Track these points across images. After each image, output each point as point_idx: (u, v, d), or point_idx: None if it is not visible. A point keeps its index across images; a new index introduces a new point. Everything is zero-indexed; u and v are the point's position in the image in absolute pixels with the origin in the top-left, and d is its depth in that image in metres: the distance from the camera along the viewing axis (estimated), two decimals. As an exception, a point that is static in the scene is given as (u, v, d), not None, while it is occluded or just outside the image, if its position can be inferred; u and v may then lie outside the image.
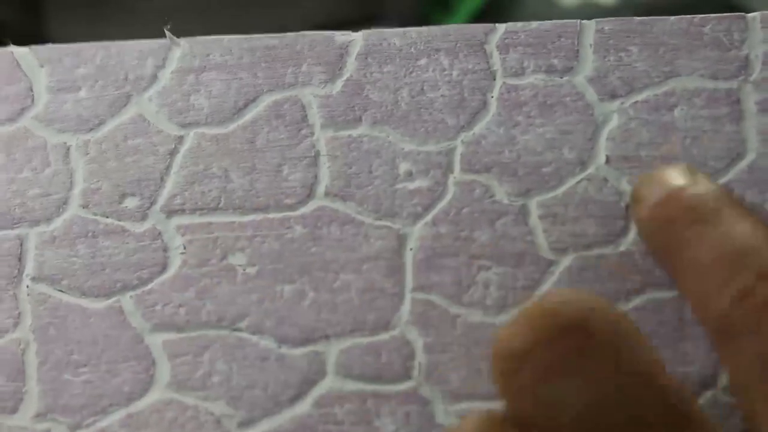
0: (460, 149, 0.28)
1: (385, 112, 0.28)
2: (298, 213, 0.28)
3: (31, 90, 0.29)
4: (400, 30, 0.29)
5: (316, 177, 0.28)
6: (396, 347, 0.27)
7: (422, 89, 0.28)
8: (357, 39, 0.29)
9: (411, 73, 0.28)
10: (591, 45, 0.28)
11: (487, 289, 0.27)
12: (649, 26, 0.28)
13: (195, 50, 0.29)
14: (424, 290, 0.27)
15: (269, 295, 0.27)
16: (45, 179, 0.28)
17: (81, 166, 0.28)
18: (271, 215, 0.28)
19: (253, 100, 0.28)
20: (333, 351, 0.27)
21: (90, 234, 0.28)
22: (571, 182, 0.27)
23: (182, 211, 0.28)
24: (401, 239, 0.27)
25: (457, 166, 0.28)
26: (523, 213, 0.27)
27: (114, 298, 0.27)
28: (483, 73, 0.28)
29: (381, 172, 0.28)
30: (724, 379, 0.26)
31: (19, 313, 0.27)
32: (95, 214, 0.28)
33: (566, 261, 0.27)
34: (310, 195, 0.28)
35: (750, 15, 0.28)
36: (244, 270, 0.27)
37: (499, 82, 0.28)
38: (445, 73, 0.28)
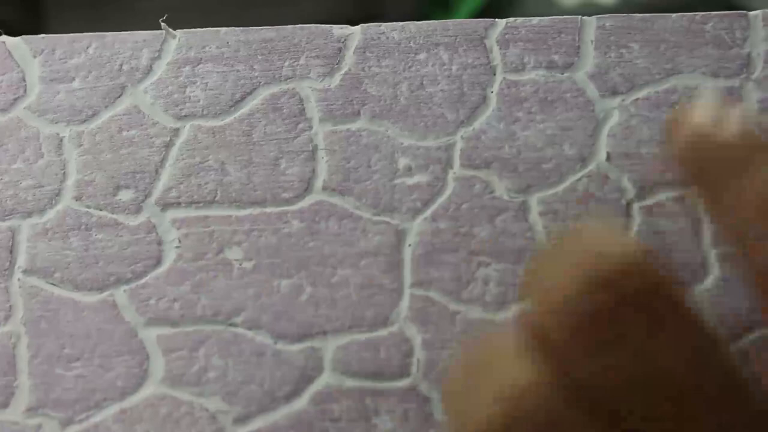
0: (459, 144, 0.27)
1: (383, 106, 0.28)
2: (295, 207, 0.27)
3: (24, 80, 0.28)
4: (399, 24, 0.28)
5: (314, 171, 0.27)
6: (394, 344, 0.26)
7: (421, 84, 0.28)
8: (355, 32, 0.28)
9: (410, 67, 0.28)
10: (592, 41, 0.28)
11: (487, 285, 0.27)
12: (650, 23, 0.28)
13: (191, 42, 0.28)
14: (423, 286, 0.27)
15: (266, 290, 0.27)
16: (38, 170, 0.28)
17: (74, 157, 0.28)
18: (268, 209, 0.27)
19: (250, 93, 0.28)
20: (330, 347, 0.26)
21: (83, 226, 0.27)
22: (572, 179, 0.27)
23: (178, 204, 0.27)
24: (400, 235, 0.27)
25: (456, 162, 0.27)
26: (524, 209, 0.27)
27: (107, 292, 0.27)
28: (483, 68, 0.28)
29: (380, 167, 0.27)
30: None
31: (11, 306, 0.27)
32: (89, 207, 0.27)
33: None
34: (307, 189, 0.27)
35: (752, 13, 0.28)
36: (241, 264, 0.27)
37: (499, 78, 0.28)
38: (445, 67, 0.28)
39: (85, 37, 0.29)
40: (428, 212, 0.27)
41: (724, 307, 0.26)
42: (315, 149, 0.28)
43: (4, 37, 0.29)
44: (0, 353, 0.27)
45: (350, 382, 0.26)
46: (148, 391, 0.26)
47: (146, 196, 0.27)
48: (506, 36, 0.28)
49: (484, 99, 0.28)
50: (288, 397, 0.26)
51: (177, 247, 0.27)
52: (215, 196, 0.27)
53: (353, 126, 0.28)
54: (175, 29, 0.29)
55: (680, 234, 0.27)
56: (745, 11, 0.28)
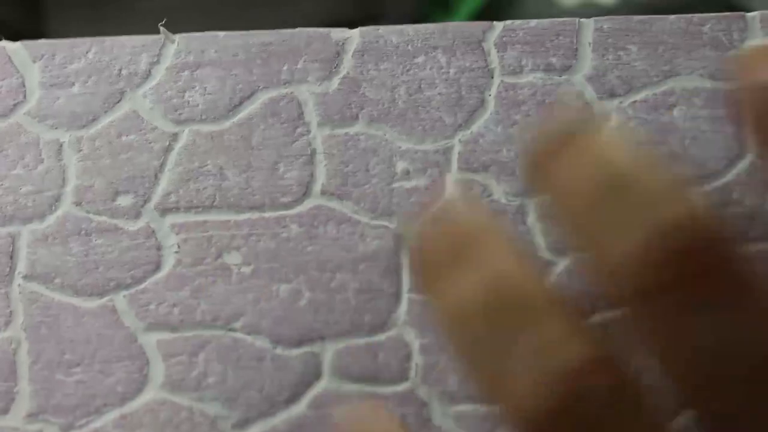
0: (457, 148, 0.27)
1: (382, 110, 0.28)
2: (294, 212, 0.27)
3: (24, 85, 0.28)
4: (397, 27, 0.28)
5: (312, 175, 0.27)
6: (393, 348, 0.26)
7: (419, 87, 0.28)
8: (353, 36, 0.28)
9: (408, 70, 0.28)
10: (590, 43, 0.28)
11: (485, 289, 0.27)
12: (648, 25, 0.28)
13: (190, 46, 0.28)
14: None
15: (265, 294, 0.27)
16: (38, 176, 0.28)
17: (74, 162, 0.28)
18: (267, 214, 0.27)
19: (249, 97, 0.28)
20: (329, 352, 0.27)
21: (83, 232, 0.27)
22: (570, 182, 0.27)
23: (176, 209, 0.27)
24: (398, 239, 0.27)
25: (454, 165, 0.27)
26: (521, 212, 0.27)
27: (107, 297, 0.27)
28: (481, 71, 0.28)
29: (378, 171, 0.27)
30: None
31: (11, 312, 0.27)
32: (88, 212, 0.27)
33: (565, 261, 0.27)
34: (306, 193, 0.27)
35: (750, 14, 0.28)
36: (239, 269, 0.27)
37: (497, 81, 0.28)
38: (443, 71, 0.28)
39: (85, 41, 0.29)
40: (426, 216, 0.27)
41: None
42: (313, 153, 0.28)
43: (4, 42, 0.29)
44: (0, 359, 0.27)
45: (349, 387, 0.26)
46: (148, 396, 0.27)
47: (145, 201, 0.27)
48: (504, 39, 0.28)
49: (482, 102, 0.28)
50: (287, 402, 0.26)
51: (176, 252, 0.27)
52: (214, 201, 0.27)
53: (351, 130, 0.28)
54: (175, 29, 0.29)
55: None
56: (742, 13, 0.28)
